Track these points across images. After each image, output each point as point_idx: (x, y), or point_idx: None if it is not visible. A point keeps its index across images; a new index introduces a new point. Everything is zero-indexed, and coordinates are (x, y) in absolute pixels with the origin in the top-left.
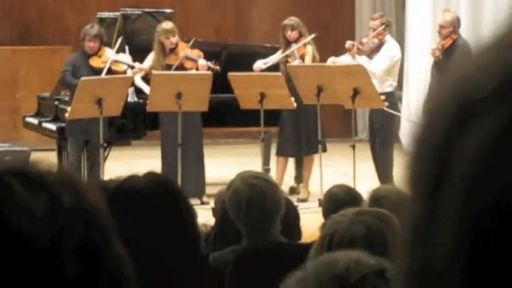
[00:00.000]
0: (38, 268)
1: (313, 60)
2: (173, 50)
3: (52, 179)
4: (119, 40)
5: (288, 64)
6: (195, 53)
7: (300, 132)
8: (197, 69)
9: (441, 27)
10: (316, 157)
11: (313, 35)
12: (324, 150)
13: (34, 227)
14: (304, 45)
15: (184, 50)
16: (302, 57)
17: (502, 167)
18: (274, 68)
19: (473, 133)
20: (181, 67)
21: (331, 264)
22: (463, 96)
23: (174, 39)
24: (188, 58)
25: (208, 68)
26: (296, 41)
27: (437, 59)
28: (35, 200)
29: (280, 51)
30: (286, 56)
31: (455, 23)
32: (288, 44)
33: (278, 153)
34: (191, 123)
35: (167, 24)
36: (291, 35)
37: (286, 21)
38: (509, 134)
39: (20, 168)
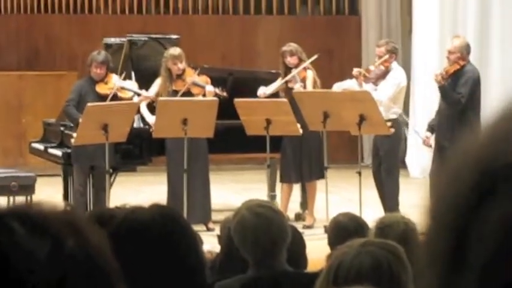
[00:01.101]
0: None
1: (314, 84)
2: (180, 76)
3: (55, 221)
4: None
5: (294, 90)
6: (203, 80)
7: (302, 157)
8: (204, 95)
9: (449, 52)
10: (321, 183)
11: (314, 57)
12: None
13: (36, 271)
14: (304, 69)
15: (192, 76)
16: (303, 81)
17: None
18: (274, 96)
19: (493, 207)
20: (188, 93)
21: None
22: (484, 165)
23: (182, 65)
24: (195, 84)
25: (216, 95)
26: (296, 66)
27: (440, 84)
28: (37, 244)
29: (280, 79)
30: (286, 82)
31: (464, 49)
32: (287, 70)
33: (281, 180)
34: (197, 149)
35: (175, 50)
36: (290, 60)
37: (285, 48)
38: None
39: (23, 210)
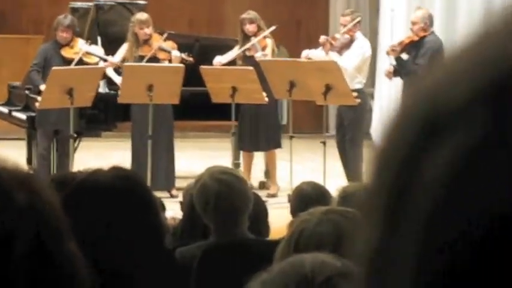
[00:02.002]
0: None
1: (273, 53)
2: (147, 42)
3: (5, 176)
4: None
5: (258, 58)
6: (169, 45)
7: (259, 126)
8: (170, 61)
9: (413, 23)
10: (286, 152)
11: (272, 28)
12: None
13: None
14: (264, 38)
15: (158, 42)
16: (263, 50)
17: (470, 191)
18: (232, 63)
19: (439, 151)
20: (154, 58)
21: (297, 265)
22: (431, 107)
23: (148, 30)
24: (162, 49)
25: (182, 60)
26: (255, 34)
27: (394, 56)
28: None
29: (237, 47)
30: (245, 50)
31: (427, 20)
32: (246, 38)
33: (238, 148)
34: (162, 115)
35: (142, 15)
36: (249, 28)
37: (244, 15)
38: (481, 151)
39: None
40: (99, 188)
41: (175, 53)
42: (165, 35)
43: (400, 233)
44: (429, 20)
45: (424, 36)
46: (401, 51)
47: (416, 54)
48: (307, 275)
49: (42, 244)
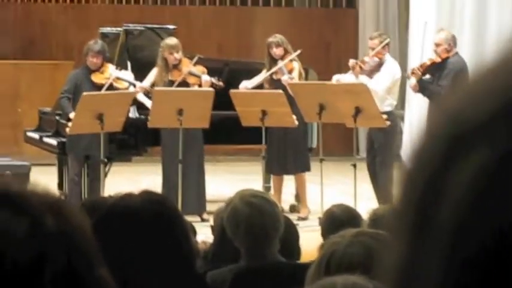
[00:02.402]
0: None
1: (300, 76)
2: (176, 66)
3: (35, 201)
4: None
5: (286, 82)
6: (199, 69)
7: (286, 149)
8: (200, 85)
9: (436, 45)
10: (317, 176)
11: (298, 51)
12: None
13: (14, 249)
14: (291, 61)
15: (188, 66)
16: (290, 73)
17: (493, 207)
18: (261, 87)
19: (463, 168)
20: (184, 83)
21: (328, 287)
22: (455, 126)
23: (178, 55)
24: (191, 74)
25: (212, 84)
26: (282, 58)
27: (417, 78)
28: (15, 223)
29: (264, 70)
30: (272, 73)
31: (450, 41)
32: (273, 61)
33: (266, 171)
34: (192, 139)
35: (171, 40)
36: (276, 52)
37: (271, 39)
38: (504, 168)
39: (2, 189)
40: (130, 213)
41: (205, 78)
42: (195, 60)
43: (425, 249)
44: (453, 41)
45: (447, 58)
46: (424, 73)
47: (439, 76)
48: None
49: (73, 269)
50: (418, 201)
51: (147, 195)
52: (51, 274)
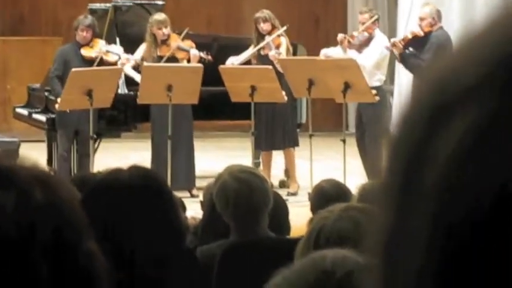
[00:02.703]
0: (6, 265)
1: (287, 51)
2: (165, 42)
3: (22, 174)
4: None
5: (273, 57)
6: (187, 44)
7: (275, 125)
8: (189, 60)
9: (421, 19)
10: (306, 151)
11: (285, 27)
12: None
13: (3, 223)
14: (278, 36)
15: (177, 41)
16: (277, 48)
17: (481, 167)
18: (248, 63)
19: (451, 129)
20: (172, 58)
21: (318, 260)
22: (442, 89)
23: (166, 30)
24: (180, 49)
25: (200, 58)
26: (269, 33)
27: (399, 51)
28: (3, 196)
29: (252, 46)
30: (259, 49)
31: (434, 15)
32: (260, 37)
33: (255, 147)
34: (182, 115)
35: (160, 15)
36: (264, 27)
37: (258, 14)
38: (491, 128)
39: None
40: (118, 187)
41: (194, 52)
42: (184, 33)
43: (412, 215)
44: (437, 16)
45: (430, 32)
46: (405, 46)
47: (421, 50)
48: (328, 270)
49: (62, 241)
50: (404, 167)
51: (135, 169)
52: (40, 247)
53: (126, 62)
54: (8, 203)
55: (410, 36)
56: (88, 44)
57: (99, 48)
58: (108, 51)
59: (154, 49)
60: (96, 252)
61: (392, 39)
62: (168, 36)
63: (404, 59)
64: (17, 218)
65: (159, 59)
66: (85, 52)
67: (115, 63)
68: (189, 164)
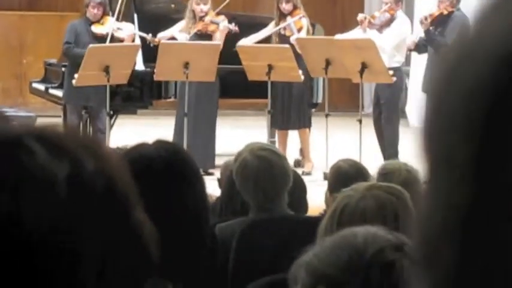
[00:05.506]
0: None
1: (308, 33)
2: (202, 18)
3: (73, 143)
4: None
5: (297, 37)
6: (220, 18)
7: (291, 105)
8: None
9: (439, 1)
10: (322, 131)
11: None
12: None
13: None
14: (300, 18)
15: (210, 14)
16: (299, 31)
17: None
18: (267, 41)
19: None
20: (205, 34)
21: (349, 237)
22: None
23: (205, 7)
24: (212, 22)
25: (230, 31)
26: (291, 13)
27: (425, 28)
28: (56, 165)
29: (273, 24)
30: (280, 29)
31: None
32: (282, 16)
33: (271, 125)
34: (207, 95)
35: None
36: (286, 7)
37: None
38: None
39: (41, 131)
40: (144, 161)
41: (224, 24)
42: (219, 9)
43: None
44: None
45: (452, 12)
46: (431, 24)
47: (443, 29)
48: (360, 247)
49: (114, 211)
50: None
51: (161, 144)
52: (92, 212)
53: (129, 38)
54: (61, 172)
55: (436, 14)
56: (98, 21)
57: (109, 25)
58: (118, 29)
59: (192, 25)
60: (146, 220)
61: (421, 16)
62: (206, 13)
63: (429, 37)
64: (70, 190)
65: (195, 35)
66: (95, 29)
67: (125, 40)
68: (207, 144)
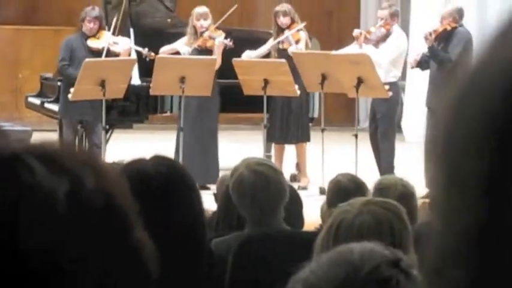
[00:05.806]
0: None
1: (307, 47)
2: (202, 33)
3: (72, 160)
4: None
5: (292, 51)
6: (218, 33)
7: (290, 119)
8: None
9: (443, 18)
10: (318, 144)
11: (304, 23)
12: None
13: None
14: (297, 31)
15: (209, 30)
16: (297, 43)
17: None
18: (267, 56)
19: None
20: (205, 49)
21: (345, 253)
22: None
23: (205, 22)
24: (210, 37)
25: (225, 46)
26: (288, 27)
27: (430, 44)
28: (55, 181)
29: (271, 39)
30: (279, 42)
31: (456, 13)
32: (280, 30)
33: (267, 139)
34: (206, 110)
35: (201, 8)
36: (283, 21)
37: (278, 8)
38: None
39: (39, 147)
40: (141, 177)
41: (219, 39)
42: (217, 24)
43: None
44: (458, 14)
45: (455, 28)
46: (435, 40)
47: (446, 44)
48: (356, 263)
49: (114, 227)
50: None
51: (159, 159)
52: (93, 227)
53: (124, 53)
54: (61, 189)
55: (440, 30)
56: (94, 35)
57: (105, 39)
58: (114, 43)
59: (194, 41)
60: (145, 238)
61: (425, 32)
62: (207, 28)
63: (433, 53)
64: (70, 207)
65: (195, 50)
66: (91, 43)
67: (121, 55)
68: (211, 158)
